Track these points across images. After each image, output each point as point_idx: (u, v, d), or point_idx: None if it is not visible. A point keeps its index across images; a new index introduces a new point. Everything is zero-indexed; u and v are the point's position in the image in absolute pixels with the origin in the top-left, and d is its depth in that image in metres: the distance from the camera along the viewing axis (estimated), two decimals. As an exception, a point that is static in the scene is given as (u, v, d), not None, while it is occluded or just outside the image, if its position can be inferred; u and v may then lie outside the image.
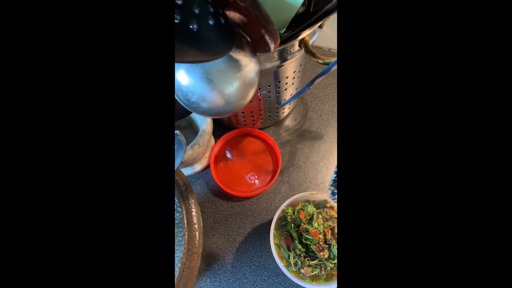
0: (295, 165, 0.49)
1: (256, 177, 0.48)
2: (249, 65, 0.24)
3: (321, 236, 0.38)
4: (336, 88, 0.56)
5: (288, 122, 0.53)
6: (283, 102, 0.45)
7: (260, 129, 0.52)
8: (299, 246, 0.37)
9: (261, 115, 0.47)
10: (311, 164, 0.49)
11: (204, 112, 0.26)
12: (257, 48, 0.26)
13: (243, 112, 0.46)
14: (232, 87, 0.23)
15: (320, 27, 0.34)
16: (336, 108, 0.54)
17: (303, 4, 0.27)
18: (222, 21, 0.21)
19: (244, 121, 0.49)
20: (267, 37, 0.23)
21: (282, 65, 0.35)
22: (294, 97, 0.38)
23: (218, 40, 0.20)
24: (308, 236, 0.37)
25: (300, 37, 0.31)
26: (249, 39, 0.24)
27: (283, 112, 0.51)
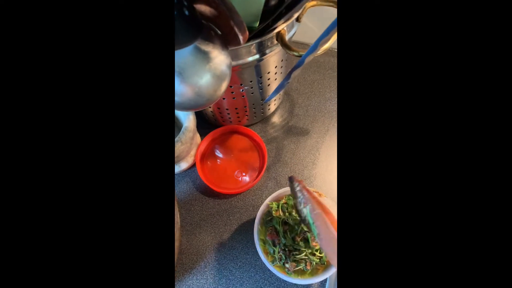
0: (282, 161, 0.49)
1: (243, 174, 0.48)
2: (219, 57, 0.24)
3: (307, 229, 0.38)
4: (322, 84, 0.56)
5: (275, 119, 0.53)
6: (267, 98, 0.45)
7: (247, 126, 0.52)
8: (284, 241, 0.37)
9: (246, 111, 0.47)
10: (298, 160, 0.49)
11: (177, 106, 0.26)
12: (228, 41, 0.26)
13: (227, 109, 0.46)
14: (202, 80, 0.23)
15: (297, 20, 0.34)
16: (321, 104, 0.54)
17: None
18: (186, 12, 0.21)
19: (230, 118, 0.48)
20: (236, 30, 0.23)
21: (262, 59, 0.35)
22: (274, 92, 0.38)
23: (181, 31, 0.20)
24: (296, 229, 0.37)
25: (276, 30, 0.31)
26: (219, 32, 0.24)
27: (269, 109, 0.51)
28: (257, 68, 0.38)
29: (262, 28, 0.29)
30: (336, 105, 0.54)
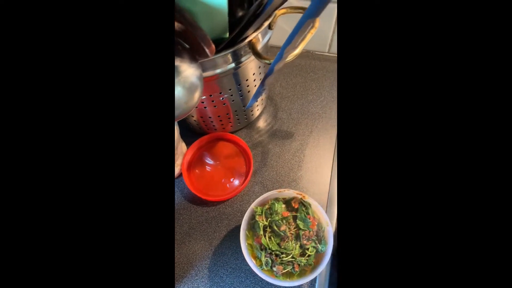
0: (268, 165, 0.50)
1: (230, 180, 0.48)
2: (188, 70, 0.24)
3: (292, 232, 0.38)
4: (304, 86, 0.57)
5: (259, 124, 0.54)
6: (247, 104, 0.46)
7: (232, 132, 0.52)
8: (270, 245, 0.37)
9: (229, 118, 0.48)
10: (283, 163, 0.50)
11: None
12: (198, 54, 0.26)
13: (210, 117, 0.46)
14: (172, 93, 0.24)
15: (270, 28, 0.35)
16: (304, 106, 0.55)
17: (242, 8, 0.28)
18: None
19: (214, 125, 0.49)
20: (201, 43, 0.24)
21: (239, 67, 0.36)
22: (253, 99, 0.39)
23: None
24: (280, 233, 0.38)
25: (247, 40, 0.32)
26: (186, 45, 0.25)
27: (253, 114, 0.52)
28: (235, 76, 0.39)
29: (233, 38, 0.30)
30: (318, 106, 0.55)
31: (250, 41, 0.32)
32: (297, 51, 0.30)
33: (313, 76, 0.58)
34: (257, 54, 0.32)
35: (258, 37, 0.35)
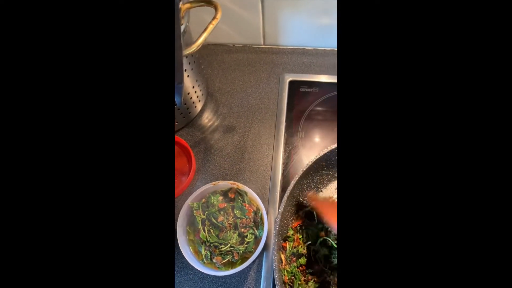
0: (211, 161, 0.50)
1: (174, 180, 0.48)
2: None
3: (230, 222, 0.39)
4: (242, 80, 0.58)
5: (201, 121, 0.54)
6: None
7: (173, 133, 0.52)
8: (208, 238, 0.38)
9: (165, 119, 0.48)
10: (226, 157, 0.50)
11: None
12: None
13: (143, 119, 0.46)
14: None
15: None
16: (244, 99, 0.56)
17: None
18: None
19: (151, 128, 0.49)
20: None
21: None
22: (177, 97, 0.39)
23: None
24: (218, 224, 0.38)
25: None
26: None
27: (190, 112, 0.52)
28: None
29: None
30: (257, 98, 0.56)
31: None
32: (199, 41, 0.30)
33: (250, 69, 0.59)
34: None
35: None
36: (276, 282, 0.32)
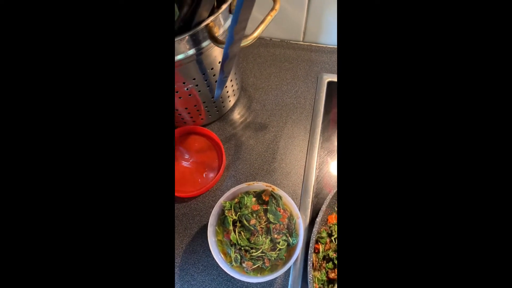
0: (241, 158, 0.48)
1: (202, 175, 0.46)
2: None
3: (262, 226, 0.37)
4: (278, 77, 0.55)
5: (233, 116, 0.52)
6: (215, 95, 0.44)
7: (204, 125, 0.50)
8: (239, 241, 0.36)
9: (198, 111, 0.46)
10: (257, 155, 0.48)
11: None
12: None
13: (177, 110, 0.44)
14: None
15: (230, 12, 0.33)
16: (279, 97, 0.53)
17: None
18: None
19: (183, 118, 0.47)
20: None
21: (201, 53, 0.34)
22: (218, 89, 0.37)
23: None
24: (250, 227, 0.36)
25: (204, 24, 0.30)
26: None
27: (224, 106, 0.50)
28: (199, 64, 0.37)
29: (188, 22, 0.28)
30: (293, 97, 0.53)
31: (207, 25, 0.30)
32: (256, 34, 0.28)
33: (287, 66, 0.57)
34: (213, 38, 0.30)
35: (220, 22, 0.33)
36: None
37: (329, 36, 0.57)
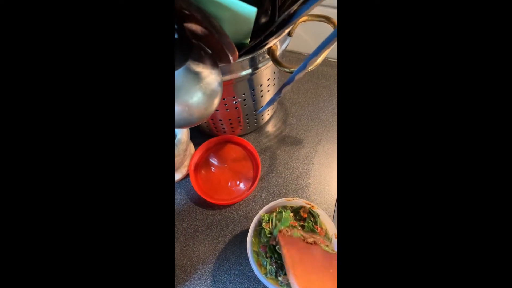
0: (275, 171, 0.49)
1: (236, 184, 0.48)
2: (210, 76, 0.24)
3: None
4: (315, 93, 0.57)
5: (269, 128, 0.53)
6: (259, 109, 0.46)
7: (241, 135, 0.52)
8: (275, 254, 0.37)
9: (239, 122, 0.48)
10: (291, 170, 0.49)
11: (169, 124, 0.26)
12: (219, 59, 0.26)
13: (221, 120, 0.46)
14: (192, 99, 0.24)
15: (289, 35, 0.35)
16: (315, 113, 0.54)
17: (265, 15, 0.28)
18: (176, 35, 0.21)
19: (224, 128, 0.49)
20: (225, 49, 0.23)
21: (255, 73, 0.36)
22: (267, 105, 0.38)
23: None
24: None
25: (267, 46, 0.31)
26: (209, 50, 0.25)
27: (263, 119, 0.51)
28: (250, 82, 0.38)
29: (254, 44, 0.30)
30: (329, 114, 0.54)
31: (270, 47, 0.32)
32: (319, 60, 0.29)
33: (325, 83, 0.58)
34: (276, 62, 0.31)
35: (277, 44, 0.34)
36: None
37: (368, 57, 0.57)
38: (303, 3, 0.25)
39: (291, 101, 0.56)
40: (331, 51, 0.59)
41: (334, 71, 0.59)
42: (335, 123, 0.53)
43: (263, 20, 0.28)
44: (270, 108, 0.51)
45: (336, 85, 0.57)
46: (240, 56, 0.31)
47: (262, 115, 0.50)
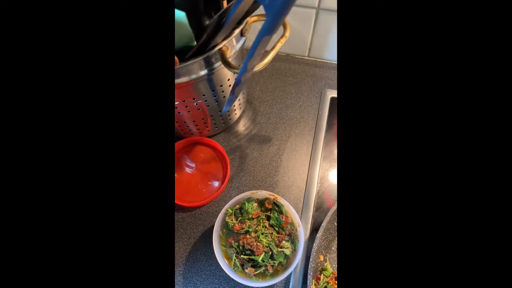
0: (245, 170, 0.50)
1: (206, 185, 0.48)
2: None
3: (253, 239, 0.38)
4: (283, 91, 0.57)
5: (238, 128, 0.54)
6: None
7: (210, 136, 0.52)
8: (238, 248, 0.37)
9: (205, 123, 0.48)
10: (260, 168, 0.50)
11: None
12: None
13: (185, 122, 0.46)
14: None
15: (242, 34, 0.35)
16: (283, 111, 0.55)
17: (209, 17, 0.28)
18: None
19: (190, 130, 0.49)
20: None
21: (212, 73, 0.36)
22: (226, 106, 0.38)
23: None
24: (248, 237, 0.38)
25: (217, 48, 0.32)
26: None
27: (231, 119, 0.52)
28: (209, 82, 0.38)
29: (202, 46, 0.30)
30: (296, 111, 0.55)
31: (220, 49, 0.32)
32: (266, 60, 0.30)
33: (292, 80, 0.58)
34: (226, 63, 0.31)
35: (232, 43, 0.35)
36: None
37: (333, 52, 0.58)
38: (232, 4, 0.25)
39: (260, 99, 0.56)
40: (296, 48, 0.59)
41: (301, 68, 0.59)
42: (303, 120, 0.54)
43: (207, 22, 0.28)
44: (238, 108, 0.51)
45: (303, 82, 0.58)
46: (189, 57, 0.31)
47: (229, 115, 0.50)
